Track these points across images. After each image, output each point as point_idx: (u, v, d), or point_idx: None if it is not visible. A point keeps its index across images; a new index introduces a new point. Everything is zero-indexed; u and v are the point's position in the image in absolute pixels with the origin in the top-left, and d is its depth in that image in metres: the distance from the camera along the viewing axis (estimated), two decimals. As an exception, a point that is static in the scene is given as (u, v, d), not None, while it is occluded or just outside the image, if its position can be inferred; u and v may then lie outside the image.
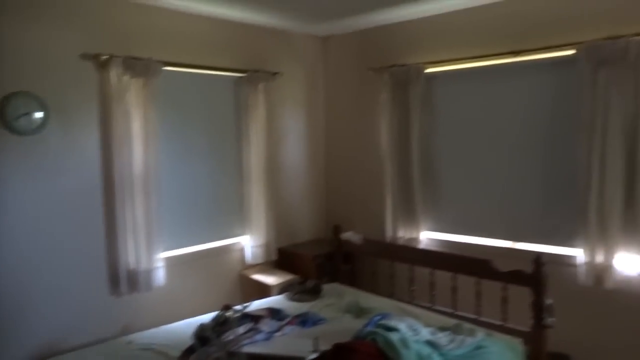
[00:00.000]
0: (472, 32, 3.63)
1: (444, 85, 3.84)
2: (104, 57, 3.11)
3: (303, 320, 2.93)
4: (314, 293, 3.49)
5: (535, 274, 2.76)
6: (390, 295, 3.54)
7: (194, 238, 3.75)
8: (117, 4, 3.22)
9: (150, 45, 3.36)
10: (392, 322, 2.48)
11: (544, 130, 3.36)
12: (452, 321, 2.91)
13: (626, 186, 2.93)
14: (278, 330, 2.75)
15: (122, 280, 3.23)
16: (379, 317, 2.72)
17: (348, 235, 3.96)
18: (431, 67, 3.81)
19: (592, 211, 3.00)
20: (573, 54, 3.09)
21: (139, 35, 3.34)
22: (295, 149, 4.46)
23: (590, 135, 3.00)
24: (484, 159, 3.67)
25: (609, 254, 2.97)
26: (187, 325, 2.87)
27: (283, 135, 4.34)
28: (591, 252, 3.04)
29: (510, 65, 3.45)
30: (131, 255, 3.24)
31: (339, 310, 3.21)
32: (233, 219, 3.99)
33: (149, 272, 3.29)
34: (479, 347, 2.46)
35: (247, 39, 4.00)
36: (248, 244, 4.01)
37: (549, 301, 2.73)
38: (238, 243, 4.02)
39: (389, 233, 4.06)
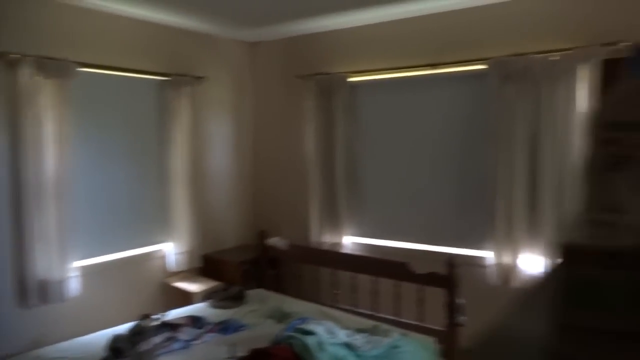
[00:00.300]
0: (394, 44, 3.78)
1: (367, 94, 3.96)
2: (14, 56, 2.95)
3: (224, 327, 2.91)
4: (238, 299, 3.47)
5: (448, 276, 2.91)
6: (315, 299, 3.60)
7: (112, 245, 3.61)
8: (29, 0, 3.07)
9: (66, 46, 3.23)
10: (310, 326, 2.52)
11: (459, 139, 3.55)
12: (371, 323, 3.00)
13: (529, 191, 3.16)
14: (197, 338, 2.71)
15: (31, 291, 3.06)
16: (297, 322, 2.75)
17: (274, 241, 3.98)
18: (355, 76, 3.92)
19: (500, 215, 3.20)
20: (484, 69, 3.30)
21: (54, 34, 3.19)
22: (221, 154, 4.43)
23: (497, 144, 3.21)
24: (404, 165, 3.82)
25: (515, 255, 3.19)
26: (102, 337, 2.76)
27: (209, 140, 4.29)
28: (499, 254, 3.25)
29: (429, 77, 3.63)
30: (41, 264, 3.08)
31: (262, 316, 3.21)
32: (155, 225, 3.89)
33: (62, 282, 3.14)
34: (394, 347, 2.56)
35: (171, 42, 3.93)
36: (171, 251, 3.92)
37: (460, 301, 2.88)
38: (160, 250, 3.92)
39: (314, 238, 4.12)
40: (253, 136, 4.70)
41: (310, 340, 2.31)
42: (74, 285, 3.22)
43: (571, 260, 0.46)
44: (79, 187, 3.29)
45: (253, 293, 3.64)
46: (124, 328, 2.79)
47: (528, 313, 0.58)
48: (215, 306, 3.38)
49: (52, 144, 3.09)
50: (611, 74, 2.82)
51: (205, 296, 3.59)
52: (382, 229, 3.94)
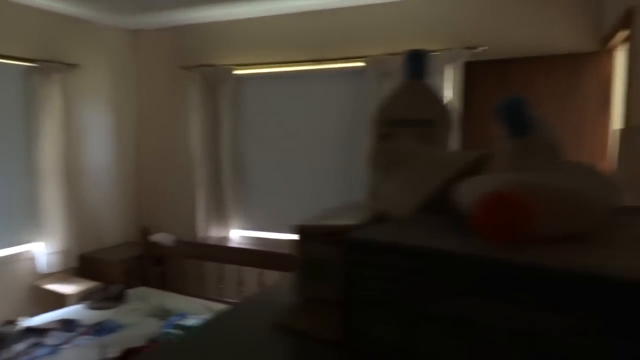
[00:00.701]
0: (279, 38, 3.81)
1: (253, 87, 3.96)
2: None
3: (99, 329, 2.77)
4: (118, 299, 3.31)
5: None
6: (200, 294, 3.54)
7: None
8: None
9: None
10: (189, 322, 2.49)
11: (343, 131, 3.68)
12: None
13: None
14: (67, 342, 2.56)
15: None
16: (176, 318, 2.70)
17: (158, 237, 3.86)
18: (240, 69, 3.90)
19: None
20: (363, 66, 3.45)
21: None
22: (100, 147, 4.18)
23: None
24: (289, 158, 3.89)
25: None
26: (-45, 348, 2.51)
27: (85, 132, 4.03)
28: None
29: (313, 72, 3.71)
30: None
31: (143, 315, 3.10)
32: (22, 223, 3.58)
33: None
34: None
35: (40, 26, 3.62)
36: (42, 251, 3.64)
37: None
38: (29, 251, 3.62)
39: (200, 233, 4.05)
40: (136, 128, 4.50)
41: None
42: None
43: (304, 239, 0.52)
44: None
45: (135, 292, 3.49)
46: (-18, 337, 2.55)
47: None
48: (92, 307, 3.20)
49: None
50: (472, 74, 3.10)
51: (82, 297, 3.39)
52: (268, 221, 3.97)
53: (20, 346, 2.39)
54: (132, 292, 3.46)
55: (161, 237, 3.86)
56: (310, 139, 3.80)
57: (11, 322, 2.66)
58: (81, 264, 3.87)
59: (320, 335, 0.46)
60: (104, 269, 3.86)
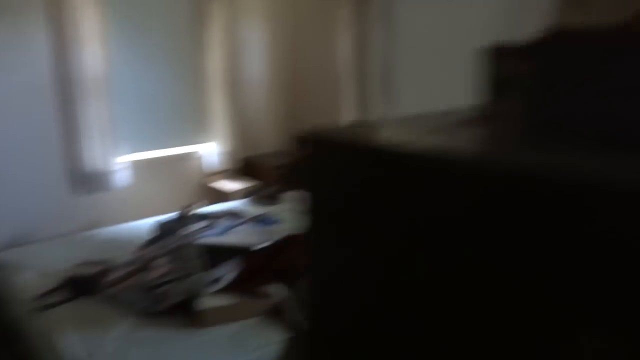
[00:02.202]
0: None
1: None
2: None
3: (260, 220, 3.09)
4: (275, 199, 3.63)
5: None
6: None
7: (154, 142, 3.81)
8: None
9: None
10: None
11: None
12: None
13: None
14: (234, 227, 2.90)
15: (82, 180, 3.32)
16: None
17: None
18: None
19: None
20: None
21: None
22: (258, 60, 4.42)
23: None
24: (439, 74, 3.74)
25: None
26: (147, 224, 3.00)
27: (246, 46, 4.28)
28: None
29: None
30: (89, 156, 3.30)
31: (296, 214, 3.37)
32: (194, 126, 4.03)
33: (108, 174, 3.38)
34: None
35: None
36: (209, 151, 4.08)
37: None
38: (198, 152, 4.09)
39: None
40: (290, 43, 4.65)
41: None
42: (120, 177, 3.45)
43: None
44: (118, 84, 3.42)
45: (290, 194, 3.79)
46: (167, 217, 3.01)
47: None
48: (252, 203, 3.56)
49: (93, 41, 3.19)
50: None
51: (243, 194, 3.78)
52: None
53: (197, 225, 2.77)
54: (287, 195, 3.76)
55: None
56: (462, 59, 3.59)
57: (188, 207, 3.07)
58: (244, 165, 4.27)
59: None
60: (261, 172, 4.21)
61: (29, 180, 3.14)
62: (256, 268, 2.22)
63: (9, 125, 3.03)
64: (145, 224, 3.05)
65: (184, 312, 2.14)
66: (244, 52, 4.28)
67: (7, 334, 2.24)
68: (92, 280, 2.35)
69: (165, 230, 2.77)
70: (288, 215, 3.32)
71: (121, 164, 3.45)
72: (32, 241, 3.07)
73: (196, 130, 4.04)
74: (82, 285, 2.34)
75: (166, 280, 2.21)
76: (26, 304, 2.25)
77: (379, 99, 4.00)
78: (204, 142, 4.09)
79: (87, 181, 3.33)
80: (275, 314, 2.14)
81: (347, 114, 4.16)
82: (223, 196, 3.85)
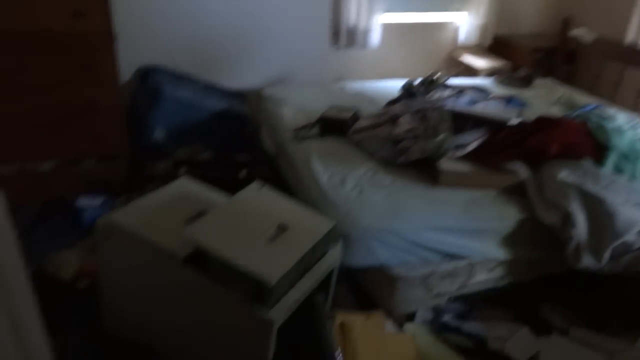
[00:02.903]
0: None
1: None
2: None
3: (508, 100, 2.90)
4: (524, 82, 3.35)
5: None
6: (612, 101, 3.22)
7: (412, 5, 3.73)
8: None
9: None
10: (608, 112, 2.31)
11: None
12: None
13: None
14: (479, 102, 2.78)
15: (342, 35, 3.48)
16: (592, 107, 2.54)
17: (579, 32, 3.54)
18: None
19: None
20: None
21: None
22: None
23: None
24: None
25: None
26: (396, 84, 3.07)
27: None
28: None
29: None
30: (352, 13, 3.41)
31: (548, 103, 3.07)
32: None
33: (366, 32, 3.47)
34: None
35: None
36: (464, 23, 3.86)
37: None
38: (453, 23, 3.89)
39: (630, 36, 3.50)
40: None
41: (607, 123, 2.14)
42: (375, 36, 3.53)
43: None
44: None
45: (541, 81, 3.44)
46: (412, 80, 3.02)
47: None
48: (500, 83, 3.34)
49: None
50: None
51: (491, 73, 3.56)
52: None
53: (444, 92, 2.73)
54: (538, 81, 3.43)
55: (582, 32, 3.52)
56: None
57: (431, 75, 3.02)
58: (494, 43, 3.97)
59: None
60: (513, 53, 3.86)
61: (299, 29, 3.44)
62: (505, 142, 2.12)
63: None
64: (391, 84, 3.13)
65: (421, 169, 2.21)
66: None
67: (279, 153, 2.64)
68: (342, 124, 2.55)
69: (411, 92, 2.80)
70: (538, 101, 3.05)
71: (376, 24, 3.51)
72: (293, 82, 3.45)
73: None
74: (332, 126, 2.57)
75: (410, 136, 2.27)
76: (287, 132, 2.58)
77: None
78: (460, 10, 3.85)
79: (346, 37, 3.49)
80: (515, 191, 2.07)
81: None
82: (471, 71, 3.69)
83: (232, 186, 1.83)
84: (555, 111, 2.88)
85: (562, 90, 3.27)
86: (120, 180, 2.78)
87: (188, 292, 1.55)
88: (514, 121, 2.17)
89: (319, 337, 1.56)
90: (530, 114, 2.59)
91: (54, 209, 2.62)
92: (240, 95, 3.33)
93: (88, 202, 2.65)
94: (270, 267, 1.38)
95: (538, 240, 2.04)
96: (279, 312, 1.41)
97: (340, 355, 1.53)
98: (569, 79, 3.62)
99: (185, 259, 1.50)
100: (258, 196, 1.70)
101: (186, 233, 1.46)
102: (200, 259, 1.48)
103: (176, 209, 1.71)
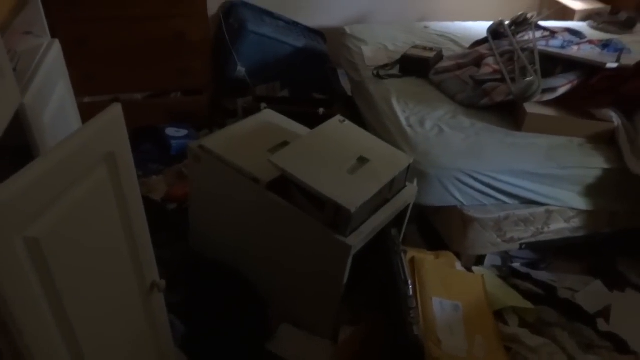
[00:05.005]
0: None
1: None
2: None
3: (605, 44, 2.70)
4: (625, 27, 3.09)
5: None
6: None
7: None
8: None
9: None
10: None
11: None
12: None
13: None
14: (574, 43, 2.62)
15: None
16: None
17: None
18: None
19: None
20: None
21: None
22: None
23: None
24: None
25: None
26: (482, 25, 2.94)
27: None
28: None
29: None
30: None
31: (650, 50, 2.83)
32: None
33: (454, -32, 3.31)
34: None
35: None
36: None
37: None
38: (551, -42, 3.61)
39: None
40: None
41: None
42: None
43: None
44: None
45: (645, 25, 3.17)
46: (501, 21, 2.88)
47: None
48: (597, 28, 3.11)
49: None
50: None
51: (588, 16, 3.30)
52: None
53: (537, 34, 2.58)
54: (640, 26, 3.15)
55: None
56: None
57: (521, 15, 2.85)
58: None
59: None
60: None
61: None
62: (599, 88, 2.01)
63: None
64: (477, 25, 3.01)
65: (503, 113, 2.15)
66: None
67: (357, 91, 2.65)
68: (424, 63, 2.50)
69: (498, 33, 2.68)
70: (639, 48, 2.82)
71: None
72: (374, 21, 3.38)
73: None
74: (413, 65, 2.53)
75: (496, 78, 2.20)
76: (368, 71, 2.57)
77: None
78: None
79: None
80: (603, 139, 1.98)
81: None
82: (566, 13, 3.43)
83: (311, 122, 1.88)
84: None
85: (669, 36, 3.00)
86: (204, 113, 2.91)
87: (270, 217, 1.65)
88: (611, 65, 2.03)
89: (391, 266, 1.62)
90: (630, 60, 2.40)
91: (144, 136, 2.80)
92: (320, 34, 3.32)
93: (174, 133, 2.81)
94: (351, 195, 1.44)
95: (623, 192, 1.96)
96: (357, 239, 1.48)
97: (411, 286, 1.59)
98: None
99: (270, 184, 1.59)
100: (340, 129, 1.75)
101: (272, 159, 1.54)
102: (283, 186, 1.57)
103: (261, 138, 1.79)
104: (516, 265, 2.17)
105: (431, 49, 2.59)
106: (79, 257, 0.91)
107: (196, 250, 2.00)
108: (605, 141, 2.00)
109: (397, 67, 2.57)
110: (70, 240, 0.88)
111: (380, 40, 2.87)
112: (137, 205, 1.08)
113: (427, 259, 1.87)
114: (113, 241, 1.02)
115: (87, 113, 1.90)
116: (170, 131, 2.80)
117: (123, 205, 1.03)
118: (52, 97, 1.31)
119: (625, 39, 2.94)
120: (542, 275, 2.13)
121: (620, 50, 2.56)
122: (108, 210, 1.00)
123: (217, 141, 1.77)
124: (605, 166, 1.93)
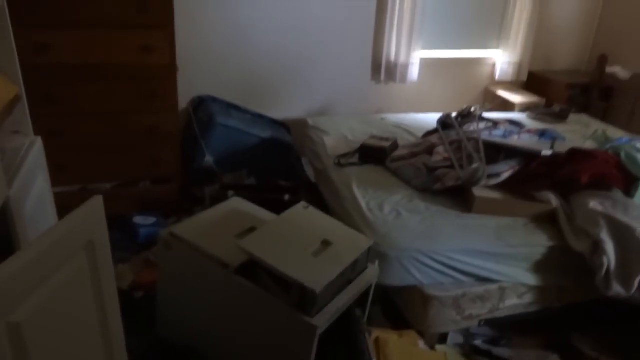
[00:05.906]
0: None
1: None
2: None
3: (542, 133, 3.00)
4: (559, 117, 3.44)
5: None
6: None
7: (449, 42, 3.91)
8: None
9: None
10: (640, 145, 2.39)
11: None
12: None
13: None
14: (514, 133, 2.90)
15: (383, 69, 3.68)
16: (625, 140, 2.62)
17: (615, 70, 3.63)
18: None
19: None
20: None
21: None
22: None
23: None
24: None
25: None
26: (432, 116, 3.22)
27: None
28: None
29: None
30: (393, 49, 3.62)
31: (582, 137, 3.15)
32: (490, 31, 3.97)
33: (405, 67, 3.66)
34: None
35: None
36: (500, 59, 4.00)
37: None
38: (490, 58, 4.04)
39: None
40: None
41: (639, 155, 2.22)
42: (414, 71, 3.72)
43: None
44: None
45: (575, 117, 3.53)
46: (448, 113, 3.17)
47: None
48: (535, 118, 3.45)
49: None
50: None
51: (526, 108, 3.66)
52: None
53: (481, 125, 2.86)
54: (572, 117, 3.51)
55: (618, 70, 3.61)
56: None
57: (467, 108, 3.16)
58: (529, 79, 4.09)
59: None
60: (548, 89, 3.96)
61: (342, 65, 3.67)
62: (538, 173, 2.23)
63: (333, 11, 3.51)
64: (429, 117, 3.29)
65: (455, 197, 2.33)
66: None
67: (320, 178, 2.81)
68: (381, 152, 2.70)
69: (447, 124, 2.94)
70: (572, 136, 3.13)
71: (415, 59, 3.69)
72: (335, 113, 3.65)
73: (490, 35, 3.98)
74: (372, 154, 2.73)
75: (446, 165, 2.40)
76: (330, 159, 2.75)
77: None
78: (496, 47, 4.00)
79: (387, 71, 3.69)
80: (545, 219, 2.16)
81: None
82: (506, 106, 3.80)
83: (277, 208, 2.00)
84: (589, 146, 2.96)
85: (597, 126, 3.34)
86: (172, 201, 3.00)
87: (239, 300, 1.71)
88: (547, 152, 2.28)
89: (356, 347, 1.68)
90: (564, 147, 2.68)
91: (112, 225, 2.84)
92: (285, 125, 3.55)
93: (142, 220, 2.87)
94: (316, 276, 1.53)
95: (568, 268, 2.12)
96: (322, 319, 1.55)
97: (376, 365, 1.64)
98: (604, 116, 3.68)
99: (238, 269, 1.67)
100: (304, 215, 1.87)
101: (240, 244, 1.63)
102: (251, 269, 1.65)
103: (229, 224, 1.89)
104: (478, 342, 2.24)
105: (387, 139, 2.81)
106: (56, 343, 0.95)
107: (164, 336, 2.00)
108: (547, 220, 2.19)
109: (357, 155, 2.76)
110: (48, 327, 0.93)
111: (340, 130, 3.10)
112: (112, 292, 1.14)
113: (391, 339, 1.93)
114: (87, 329, 1.07)
115: (57, 203, 1.97)
116: (139, 219, 2.85)
117: (99, 291, 1.09)
118: (33, 189, 1.39)
119: (559, 128, 3.27)
120: (502, 351, 2.20)
121: (553, 139, 2.85)
122: (85, 298, 1.06)
123: (188, 228, 1.86)
124: (549, 244, 2.09)
